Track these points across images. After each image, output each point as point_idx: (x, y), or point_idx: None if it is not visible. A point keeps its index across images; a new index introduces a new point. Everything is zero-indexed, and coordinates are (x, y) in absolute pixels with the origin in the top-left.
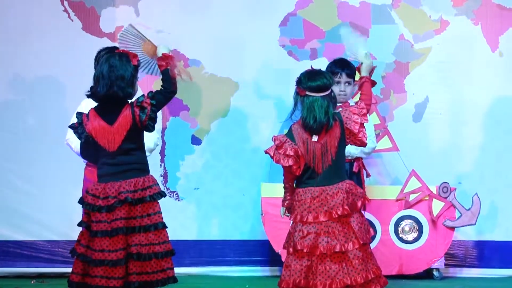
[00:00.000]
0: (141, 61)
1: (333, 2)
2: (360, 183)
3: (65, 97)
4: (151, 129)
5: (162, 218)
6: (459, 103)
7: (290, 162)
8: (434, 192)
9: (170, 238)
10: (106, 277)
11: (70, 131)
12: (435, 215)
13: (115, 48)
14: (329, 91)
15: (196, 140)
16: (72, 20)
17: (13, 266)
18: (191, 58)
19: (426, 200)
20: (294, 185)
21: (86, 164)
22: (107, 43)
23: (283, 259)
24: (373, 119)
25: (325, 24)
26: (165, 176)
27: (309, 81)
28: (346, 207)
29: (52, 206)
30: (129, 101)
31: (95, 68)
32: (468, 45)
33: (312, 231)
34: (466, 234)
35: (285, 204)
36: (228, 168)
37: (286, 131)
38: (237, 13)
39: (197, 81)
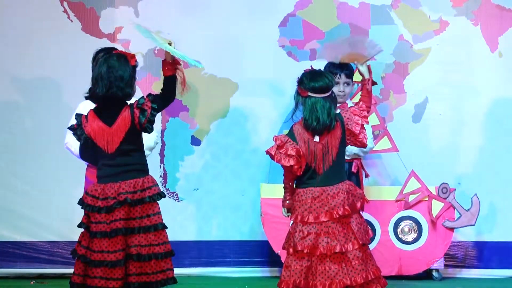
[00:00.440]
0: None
1: (333, 3)
2: (358, 183)
3: (64, 98)
4: (149, 131)
5: (161, 219)
6: (458, 103)
7: (292, 162)
8: (434, 192)
9: (169, 239)
10: (106, 278)
11: (69, 134)
12: (434, 216)
13: (113, 49)
14: (330, 92)
15: (195, 141)
16: (72, 21)
17: (13, 267)
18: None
19: (425, 200)
20: (294, 185)
21: (87, 165)
22: (106, 43)
23: (282, 260)
24: (372, 119)
25: (324, 24)
26: (164, 176)
27: (311, 81)
28: (347, 207)
29: (52, 207)
30: (128, 102)
31: (92, 69)
32: (467, 46)
33: (312, 231)
34: (466, 234)
35: (286, 204)
36: (228, 169)
37: (286, 131)
38: (237, 13)
39: (197, 82)
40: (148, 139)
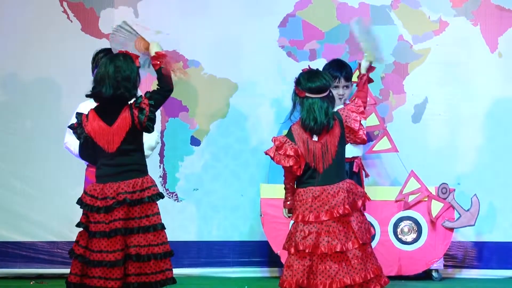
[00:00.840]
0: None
1: (332, 3)
2: (360, 183)
3: (63, 98)
4: (150, 130)
5: (160, 219)
6: (458, 104)
7: (291, 162)
8: (433, 193)
9: (169, 239)
10: (104, 278)
11: (69, 134)
12: (434, 216)
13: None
14: (328, 91)
15: (195, 141)
16: (71, 21)
17: (12, 267)
18: (190, 59)
19: (425, 201)
20: (295, 185)
21: (87, 165)
22: (106, 44)
23: (282, 260)
24: (372, 120)
25: (324, 25)
26: (164, 177)
27: (308, 82)
28: (347, 206)
29: (51, 207)
30: (129, 102)
31: (92, 70)
32: (467, 46)
33: (313, 230)
34: (465, 235)
35: (287, 205)
36: (227, 169)
37: (285, 131)
38: (236, 14)
39: (196, 82)
40: (150, 139)
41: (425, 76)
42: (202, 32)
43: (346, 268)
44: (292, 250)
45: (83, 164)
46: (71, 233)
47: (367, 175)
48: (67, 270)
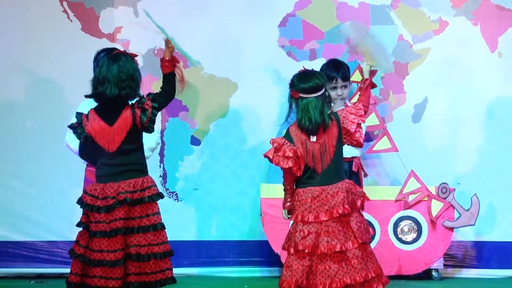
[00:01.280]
0: None
1: (332, 3)
2: (358, 182)
3: (64, 98)
4: (151, 130)
5: (161, 219)
6: (458, 103)
7: (290, 164)
8: (433, 192)
9: (169, 239)
10: (105, 278)
11: (69, 133)
12: (434, 216)
13: (114, 49)
14: (323, 90)
15: (195, 141)
16: (71, 21)
17: (12, 267)
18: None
19: (425, 200)
20: (294, 186)
21: (86, 165)
22: (106, 43)
23: (282, 260)
24: (372, 119)
25: (324, 24)
26: (164, 176)
27: (301, 83)
28: (346, 206)
29: (51, 207)
30: (130, 102)
31: (94, 69)
32: (467, 46)
33: (312, 230)
34: (465, 234)
35: (286, 206)
36: (227, 169)
37: (285, 131)
38: (236, 13)
39: (196, 82)
40: (150, 140)
41: (425, 76)
42: (202, 31)
43: (346, 268)
44: (292, 250)
45: (83, 164)
46: (71, 233)
47: (366, 175)
48: (67, 270)
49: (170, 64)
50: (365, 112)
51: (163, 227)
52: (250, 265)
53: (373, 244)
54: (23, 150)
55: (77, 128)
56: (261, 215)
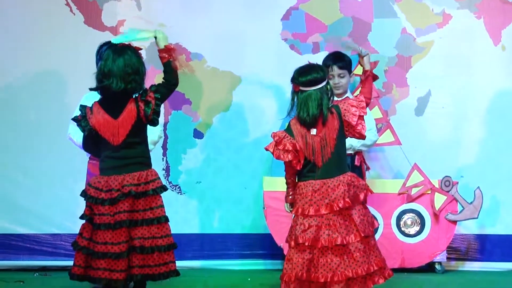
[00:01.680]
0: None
1: None
2: (361, 176)
3: (66, 91)
4: (156, 123)
5: (164, 212)
6: (461, 97)
7: (290, 157)
8: (436, 185)
9: (172, 232)
10: (109, 270)
11: (72, 125)
12: (437, 209)
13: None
14: (324, 83)
15: (198, 134)
16: (74, 14)
17: (16, 259)
18: (193, 51)
19: (428, 193)
20: (296, 179)
21: (89, 157)
22: (109, 37)
23: (285, 253)
24: (375, 113)
25: (327, 18)
26: (167, 170)
27: (300, 76)
28: (347, 199)
29: (54, 199)
30: (134, 95)
31: (96, 63)
32: (470, 39)
33: (313, 224)
34: (468, 227)
35: (289, 199)
36: (230, 162)
37: (287, 124)
38: (239, 7)
39: (199, 75)
40: (152, 134)
41: (428, 69)
42: (205, 25)
43: (348, 261)
44: (292, 243)
45: (86, 157)
46: (74, 226)
47: (368, 169)
48: (70, 262)
49: (166, 53)
50: (368, 104)
51: (166, 220)
52: (253, 258)
53: (376, 237)
54: (26, 143)
55: (81, 121)
56: (264, 208)
